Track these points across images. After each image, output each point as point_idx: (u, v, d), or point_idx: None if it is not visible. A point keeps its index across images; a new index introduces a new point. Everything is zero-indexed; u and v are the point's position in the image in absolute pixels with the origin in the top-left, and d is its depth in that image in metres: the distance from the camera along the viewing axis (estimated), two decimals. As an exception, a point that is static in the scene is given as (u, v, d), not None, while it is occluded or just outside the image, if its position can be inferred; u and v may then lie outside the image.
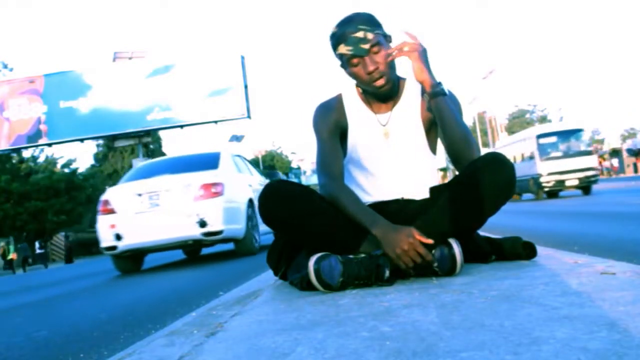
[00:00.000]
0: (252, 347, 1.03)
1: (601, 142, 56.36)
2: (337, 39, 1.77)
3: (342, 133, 1.91)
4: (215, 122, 19.70)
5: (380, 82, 1.76)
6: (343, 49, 1.75)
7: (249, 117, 18.99)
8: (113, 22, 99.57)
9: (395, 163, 1.87)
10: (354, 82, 1.88)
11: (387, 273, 1.54)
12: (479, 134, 45.11)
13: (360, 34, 1.71)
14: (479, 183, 1.59)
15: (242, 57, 19.19)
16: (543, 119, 75.27)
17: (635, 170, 38.00)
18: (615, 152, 42.91)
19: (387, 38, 1.81)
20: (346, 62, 1.79)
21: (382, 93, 1.82)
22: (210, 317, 1.47)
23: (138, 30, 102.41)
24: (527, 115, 75.74)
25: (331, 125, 1.89)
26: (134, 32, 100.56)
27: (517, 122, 73.78)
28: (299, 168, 56.01)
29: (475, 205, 1.62)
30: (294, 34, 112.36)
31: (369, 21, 1.76)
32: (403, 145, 1.87)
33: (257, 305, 1.57)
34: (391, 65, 1.78)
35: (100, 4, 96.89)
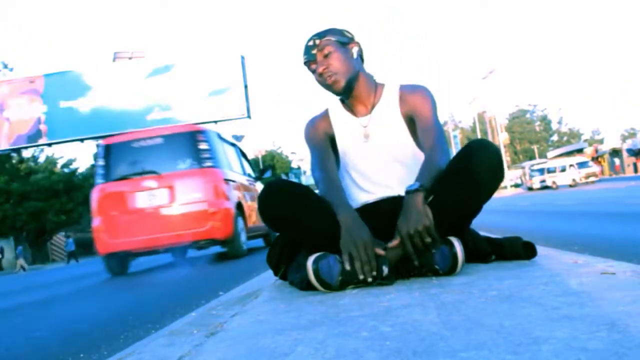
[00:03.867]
0: (252, 347, 1.03)
1: (601, 142, 56.28)
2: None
3: (332, 142, 2.02)
4: (215, 122, 19.69)
5: (330, 79, 1.88)
6: (303, 58, 1.94)
7: (249, 117, 18.97)
8: (113, 22, 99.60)
9: (378, 161, 1.93)
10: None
11: (386, 270, 1.54)
12: (479, 134, 45.09)
13: (310, 43, 1.91)
14: (470, 169, 1.63)
15: (242, 57, 19.19)
16: (543, 119, 75.32)
17: (635, 170, 37.99)
18: (615, 152, 42.88)
19: (344, 44, 1.92)
20: (309, 70, 1.95)
21: (337, 91, 1.92)
22: (210, 317, 1.47)
23: (138, 30, 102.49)
24: (527, 115, 75.74)
25: (320, 134, 2.03)
26: (134, 32, 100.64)
27: (517, 122, 73.77)
28: (299, 168, 56.00)
29: (470, 191, 1.65)
30: (294, 34, 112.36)
31: (326, 32, 1.92)
32: (383, 143, 1.93)
33: (257, 305, 1.57)
34: (348, 64, 1.89)
35: (100, 4, 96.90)
